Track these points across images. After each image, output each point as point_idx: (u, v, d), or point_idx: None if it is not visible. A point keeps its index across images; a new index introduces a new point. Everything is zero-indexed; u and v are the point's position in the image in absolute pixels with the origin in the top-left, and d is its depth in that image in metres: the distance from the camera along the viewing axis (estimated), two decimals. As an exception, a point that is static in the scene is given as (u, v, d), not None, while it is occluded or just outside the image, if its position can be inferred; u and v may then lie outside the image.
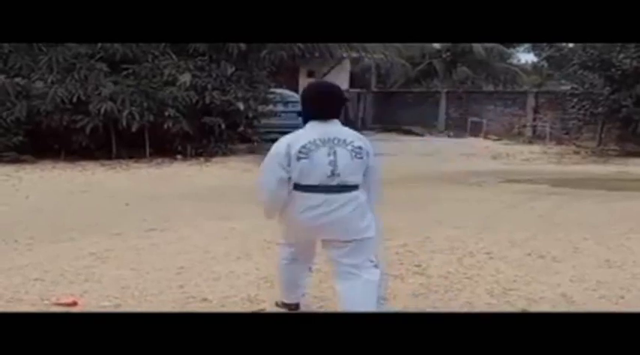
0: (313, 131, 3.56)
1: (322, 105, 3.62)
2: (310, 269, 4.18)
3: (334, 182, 3.49)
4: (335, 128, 3.59)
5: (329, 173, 3.48)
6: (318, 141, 3.50)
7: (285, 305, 4.16)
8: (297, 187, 3.53)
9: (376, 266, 3.62)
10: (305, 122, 3.66)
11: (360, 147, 3.55)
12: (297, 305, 4.14)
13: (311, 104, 3.65)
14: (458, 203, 8.77)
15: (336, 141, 3.52)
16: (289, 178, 3.52)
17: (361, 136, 3.69)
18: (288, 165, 3.50)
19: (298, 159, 3.48)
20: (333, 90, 3.73)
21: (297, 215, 3.57)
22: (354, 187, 3.55)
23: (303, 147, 3.49)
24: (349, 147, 3.53)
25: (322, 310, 4.21)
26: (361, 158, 3.55)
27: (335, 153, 3.49)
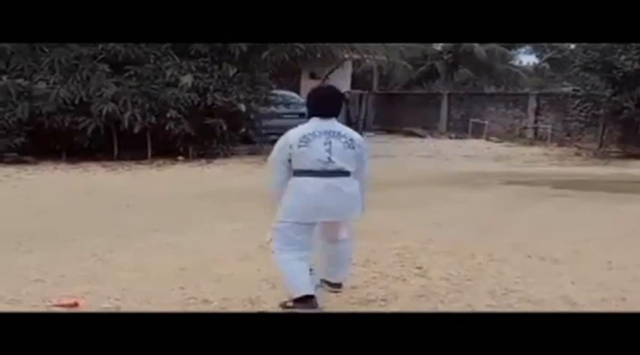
0: (314, 125, 4.18)
1: (323, 105, 4.26)
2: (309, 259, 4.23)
3: (331, 167, 4.08)
4: (332, 124, 4.20)
5: (325, 159, 4.07)
6: (316, 133, 4.12)
7: (298, 301, 4.06)
8: (301, 173, 4.11)
9: (349, 241, 4.42)
10: (309, 118, 4.28)
11: (352, 140, 4.19)
12: (313, 298, 4.06)
13: (314, 104, 4.28)
14: (459, 205, 8.76)
15: (332, 134, 4.13)
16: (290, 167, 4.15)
17: (354, 133, 4.32)
18: (289, 157, 4.13)
19: (299, 146, 4.09)
20: (333, 93, 4.44)
21: (304, 197, 4.10)
22: (348, 173, 4.15)
23: (304, 136, 4.11)
24: (342, 140, 4.15)
25: (324, 310, 4.20)
26: (353, 149, 4.17)
27: (330, 143, 4.10)
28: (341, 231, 4.36)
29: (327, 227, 4.31)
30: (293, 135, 4.16)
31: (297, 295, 4.09)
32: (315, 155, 4.06)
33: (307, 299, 4.06)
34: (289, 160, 4.14)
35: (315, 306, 4.05)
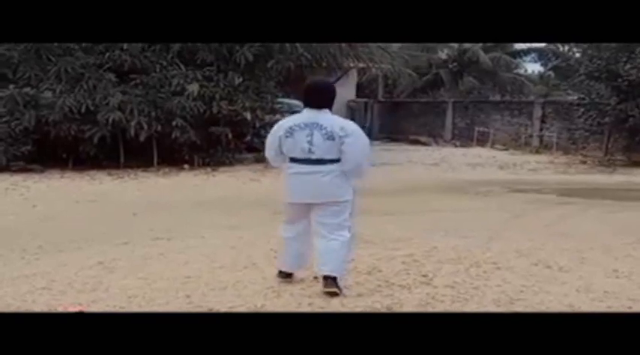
0: (304, 116, 4.65)
1: (313, 97, 4.68)
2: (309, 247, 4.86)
3: (313, 156, 4.56)
4: (321, 115, 4.60)
5: (307, 150, 4.55)
6: (302, 125, 4.59)
7: (281, 273, 4.95)
8: (291, 159, 4.65)
9: (349, 229, 4.66)
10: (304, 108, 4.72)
11: (331, 132, 4.53)
12: (290, 276, 4.93)
13: (305, 96, 4.70)
14: (464, 213, 8.76)
15: (315, 126, 4.55)
16: (282, 150, 4.70)
17: (344, 123, 4.65)
18: (279, 140, 4.67)
19: (286, 137, 4.63)
20: (323, 87, 4.84)
21: (290, 177, 4.68)
22: (330, 161, 4.56)
23: (290, 128, 4.62)
24: (323, 132, 4.54)
25: (326, 310, 4.19)
26: (333, 140, 4.53)
27: (312, 134, 4.55)
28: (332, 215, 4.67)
29: (316, 211, 4.69)
30: (282, 125, 4.72)
31: (279, 268, 5.00)
32: (298, 145, 4.57)
33: (284, 274, 4.94)
34: (279, 146, 4.69)
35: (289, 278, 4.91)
